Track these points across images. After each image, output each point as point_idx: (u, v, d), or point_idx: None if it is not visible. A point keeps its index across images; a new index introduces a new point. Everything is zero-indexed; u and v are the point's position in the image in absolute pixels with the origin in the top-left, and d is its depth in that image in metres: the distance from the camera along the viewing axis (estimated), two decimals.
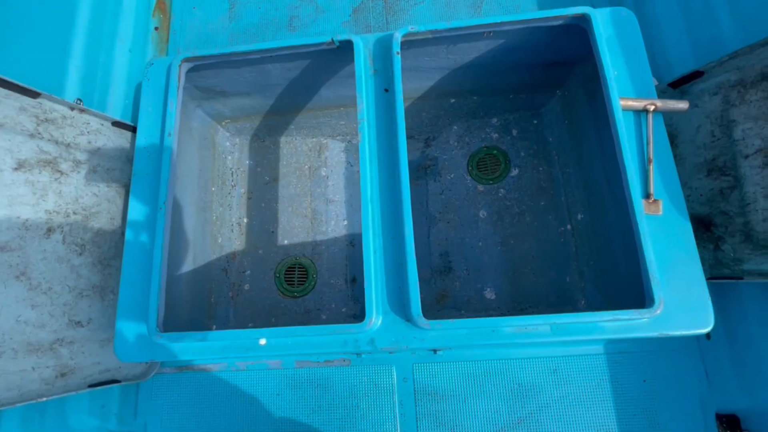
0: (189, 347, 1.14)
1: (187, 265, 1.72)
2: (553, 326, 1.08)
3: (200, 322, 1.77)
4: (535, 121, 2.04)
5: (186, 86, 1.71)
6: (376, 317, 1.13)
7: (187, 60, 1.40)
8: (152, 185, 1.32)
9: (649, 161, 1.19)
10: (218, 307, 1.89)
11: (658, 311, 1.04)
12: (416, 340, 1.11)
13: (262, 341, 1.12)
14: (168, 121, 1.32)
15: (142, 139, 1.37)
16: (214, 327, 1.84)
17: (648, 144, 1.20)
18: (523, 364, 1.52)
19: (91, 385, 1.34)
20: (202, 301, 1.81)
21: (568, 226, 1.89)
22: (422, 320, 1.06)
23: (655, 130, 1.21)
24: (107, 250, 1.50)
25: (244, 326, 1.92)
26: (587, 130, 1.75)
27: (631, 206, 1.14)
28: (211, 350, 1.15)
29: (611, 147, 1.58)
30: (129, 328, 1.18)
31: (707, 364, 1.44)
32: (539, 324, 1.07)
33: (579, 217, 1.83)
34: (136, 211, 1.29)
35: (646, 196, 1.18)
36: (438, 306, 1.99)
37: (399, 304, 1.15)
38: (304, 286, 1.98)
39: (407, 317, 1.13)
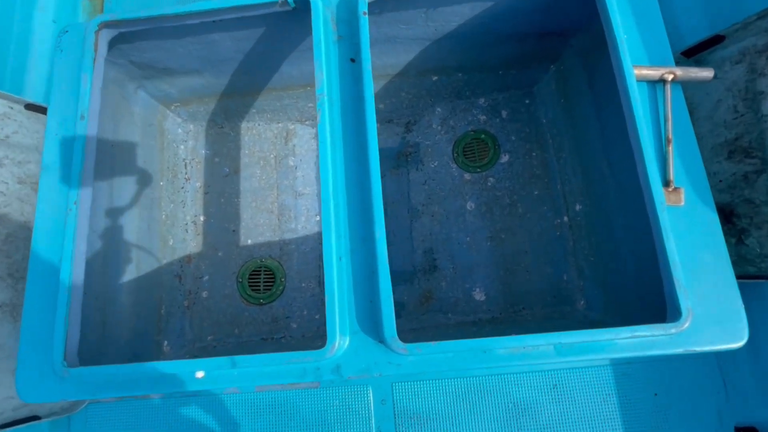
0: (108, 382, 0.91)
1: (129, 273, 1.47)
2: (558, 346, 0.88)
3: (147, 338, 1.53)
4: (527, 101, 1.83)
5: (119, 62, 1.44)
6: (341, 339, 0.91)
7: (107, 25, 1.13)
8: (65, 181, 1.06)
9: (668, 142, 0.98)
10: (171, 320, 1.65)
11: (686, 325, 0.85)
12: (391, 366, 0.90)
13: (200, 374, 0.89)
14: (82, 100, 1.06)
15: (53, 124, 1.11)
16: (166, 343, 1.60)
17: (666, 121, 1.00)
18: (519, 380, 1.33)
19: (3, 425, 1.10)
20: (150, 314, 1.56)
21: (565, 218, 1.69)
22: (397, 344, 0.85)
23: (674, 105, 1.01)
24: (20, 260, 1.24)
25: (202, 339, 1.69)
26: (586, 109, 1.55)
27: (650, 196, 0.94)
28: (138, 384, 0.92)
29: (614, 128, 1.38)
30: (34, 360, 0.95)
31: (725, 374, 1.28)
32: (540, 344, 0.87)
33: (577, 207, 1.64)
34: (45, 213, 1.04)
35: (665, 183, 0.97)
36: (422, 309, 1.79)
37: (371, 322, 0.94)
38: (271, 292, 1.75)
39: (381, 338, 0.91)
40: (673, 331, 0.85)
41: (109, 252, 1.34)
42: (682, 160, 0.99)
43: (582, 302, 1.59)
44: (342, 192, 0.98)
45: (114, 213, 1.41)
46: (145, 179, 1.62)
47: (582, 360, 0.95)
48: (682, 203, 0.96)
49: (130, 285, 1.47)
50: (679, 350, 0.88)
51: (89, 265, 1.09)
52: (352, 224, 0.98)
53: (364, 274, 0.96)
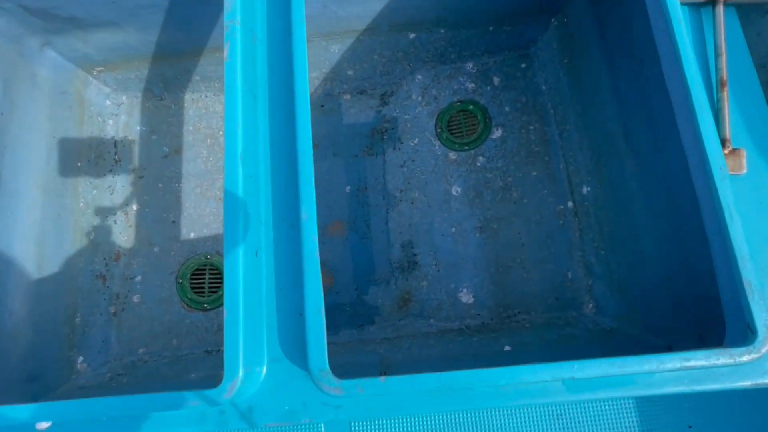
0: None
1: (24, 277, 1.17)
2: (569, 382, 0.60)
3: (52, 355, 1.23)
4: (524, 65, 1.54)
5: (5, 6, 1.14)
6: (249, 371, 0.62)
7: None
8: None
9: (722, 85, 0.69)
10: (90, 330, 1.35)
11: (765, 349, 0.56)
12: (327, 409, 0.61)
13: (42, 425, 0.60)
14: None
15: None
16: (81, 360, 1.30)
17: (718, 56, 0.70)
18: (516, 412, 1.04)
19: None
20: (58, 325, 1.27)
21: (570, 203, 1.40)
22: (327, 380, 0.56)
23: (728, 36, 0.71)
24: None
25: (132, 353, 1.39)
26: (596, 69, 1.25)
27: (701, 161, 0.65)
28: None
29: (634, 87, 1.09)
30: None
31: None
32: (544, 379, 0.59)
33: (584, 190, 1.35)
34: None
35: (720, 142, 0.68)
36: (399, 313, 1.50)
37: (299, 344, 0.64)
38: (218, 295, 1.46)
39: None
40: (745, 358, 0.56)
41: None
42: (741, 110, 0.70)
43: (590, 305, 1.31)
44: (261, 158, 0.69)
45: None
46: (52, 160, 1.31)
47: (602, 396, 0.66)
48: (744, 170, 0.67)
49: (27, 289, 1.17)
50: (747, 383, 0.60)
51: None
52: (276, 205, 0.69)
53: (292, 275, 0.67)
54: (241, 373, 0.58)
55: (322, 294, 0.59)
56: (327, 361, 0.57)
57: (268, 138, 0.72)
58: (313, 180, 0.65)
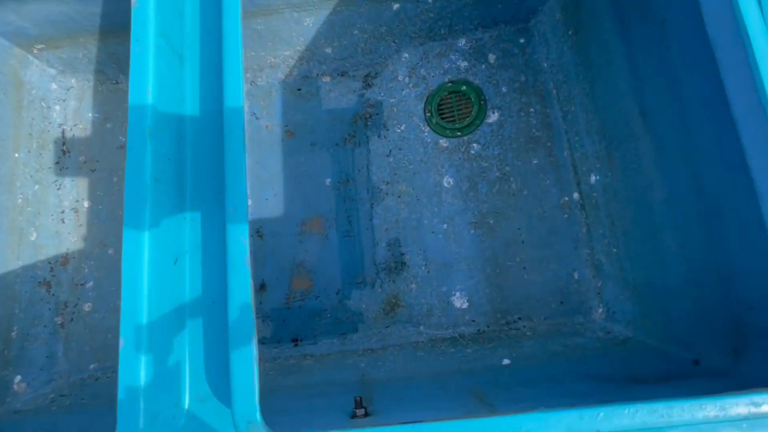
0: None
1: None
2: None
3: None
4: (522, 40, 1.37)
5: None
6: (154, 419, 0.46)
7: None
8: None
9: None
10: (31, 345, 1.18)
11: None
12: None
13: None
14: None
15: None
16: (18, 379, 1.14)
17: None
18: None
19: None
20: None
21: (575, 195, 1.25)
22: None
23: None
24: None
25: (82, 369, 1.23)
26: (607, 39, 1.09)
27: (753, 131, 0.48)
28: None
29: (653, 57, 0.93)
30: None
31: None
32: (567, 424, 0.42)
33: (592, 179, 1.19)
34: None
35: None
36: (386, 319, 1.34)
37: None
38: None
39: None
40: None
41: None
42: None
43: (600, 310, 1.15)
44: (186, 135, 0.52)
45: None
46: None
47: None
48: None
49: None
50: None
51: None
52: (204, 197, 0.52)
53: (223, 287, 0.50)
54: (142, 423, 0.42)
55: (253, 316, 0.43)
56: (257, 410, 0.41)
57: (198, 108, 0.55)
58: (244, 160, 0.48)
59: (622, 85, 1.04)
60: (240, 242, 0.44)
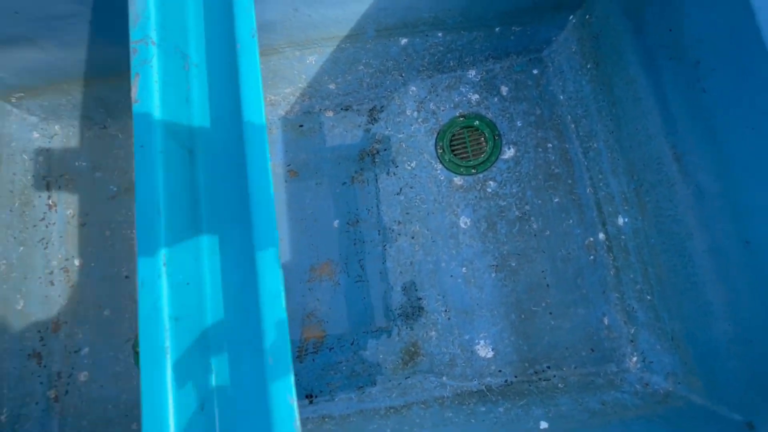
0: None
1: None
2: None
3: None
4: (536, 71, 1.31)
5: None
6: None
7: None
8: None
9: None
10: (23, 426, 1.08)
11: None
12: None
13: None
14: None
15: None
16: None
17: None
18: None
19: None
20: None
21: (601, 235, 1.19)
22: None
23: None
24: None
25: None
26: (632, 75, 1.03)
27: None
28: None
29: (687, 99, 0.88)
30: None
31: None
32: None
33: (620, 221, 1.13)
34: None
35: None
36: (406, 370, 1.27)
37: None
38: None
39: None
40: None
41: None
42: None
43: (635, 359, 1.10)
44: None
45: None
46: None
47: None
48: None
49: None
50: None
51: None
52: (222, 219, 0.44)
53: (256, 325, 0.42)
54: None
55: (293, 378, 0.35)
56: None
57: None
58: (271, 192, 0.40)
59: (652, 125, 0.98)
60: (276, 283, 0.36)
